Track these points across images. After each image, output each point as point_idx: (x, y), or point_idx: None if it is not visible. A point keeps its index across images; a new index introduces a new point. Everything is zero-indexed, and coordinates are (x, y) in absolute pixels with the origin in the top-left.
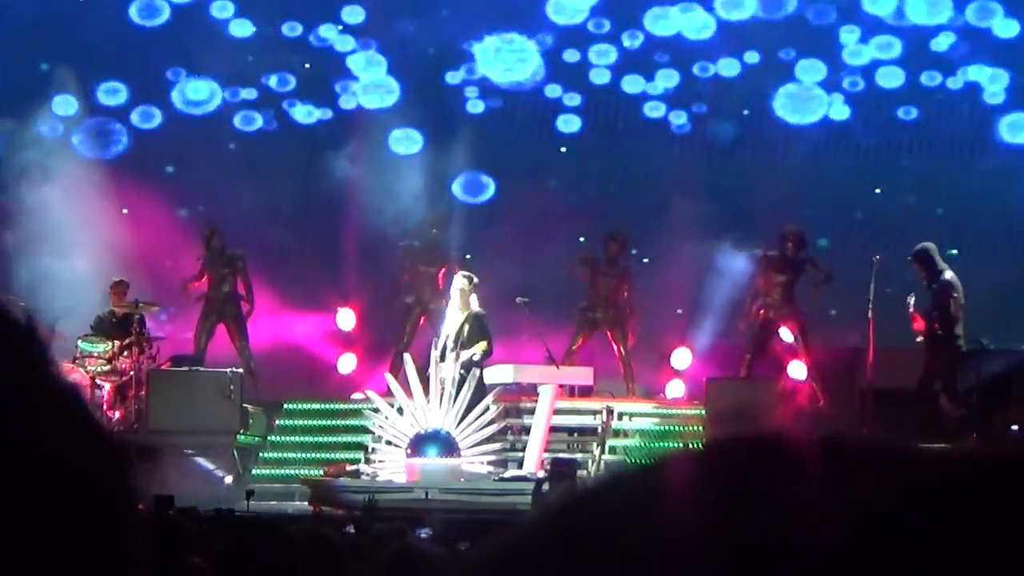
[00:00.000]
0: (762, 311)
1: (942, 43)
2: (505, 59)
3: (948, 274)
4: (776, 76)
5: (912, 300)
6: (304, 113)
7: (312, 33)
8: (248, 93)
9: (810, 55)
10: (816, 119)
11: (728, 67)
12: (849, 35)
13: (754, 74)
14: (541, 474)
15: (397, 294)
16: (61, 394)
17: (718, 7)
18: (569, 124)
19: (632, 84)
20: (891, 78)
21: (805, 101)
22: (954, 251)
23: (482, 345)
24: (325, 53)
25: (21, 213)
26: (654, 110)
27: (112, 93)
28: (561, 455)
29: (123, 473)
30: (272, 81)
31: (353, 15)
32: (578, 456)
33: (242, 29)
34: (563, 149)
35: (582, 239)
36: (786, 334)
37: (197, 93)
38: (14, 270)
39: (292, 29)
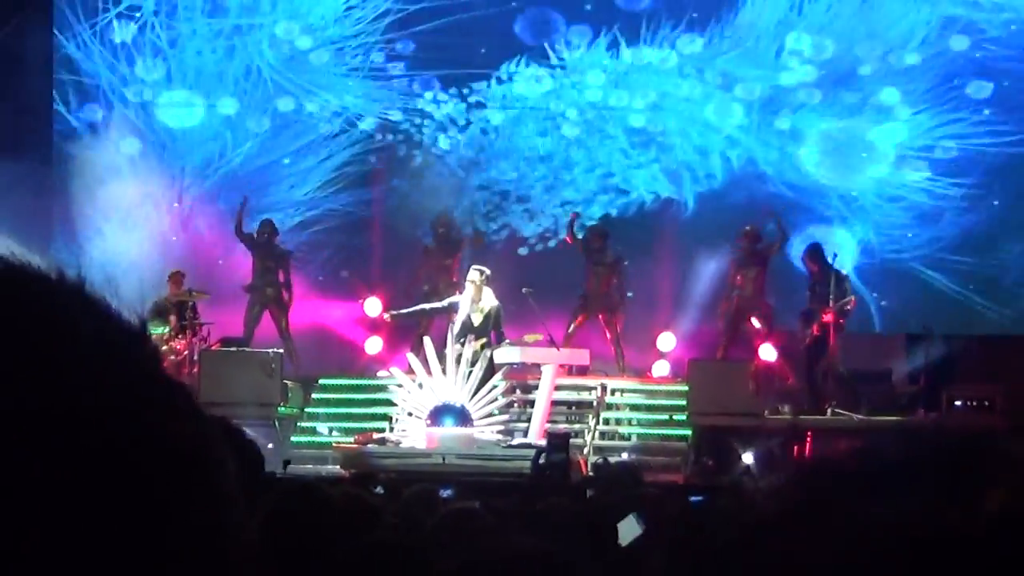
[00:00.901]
0: (736, 301)
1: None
2: (522, 82)
3: (841, 270)
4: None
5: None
6: (365, 124)
7: (368, 59)
8: (313, 106)
9: (749, 79)
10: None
11: (691, 88)
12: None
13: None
14: (542, 443)
15: (416, 284)
16: (175, 387)
17: (678, 45)
18: (571, 130)
19: (617, 99)
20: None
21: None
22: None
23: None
24: (380, 74)
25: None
26: (636, 120)
27: (226, 106)
28: (560, 426)
29: (223, 451)
30: (336, 96)
31: (405, 48)
32: (576, 426)
33: (318, 57)
34: (541, 153)
35: (580, 236)
36: (756, 322)
37: (286, 106)
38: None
39: (354, 56)
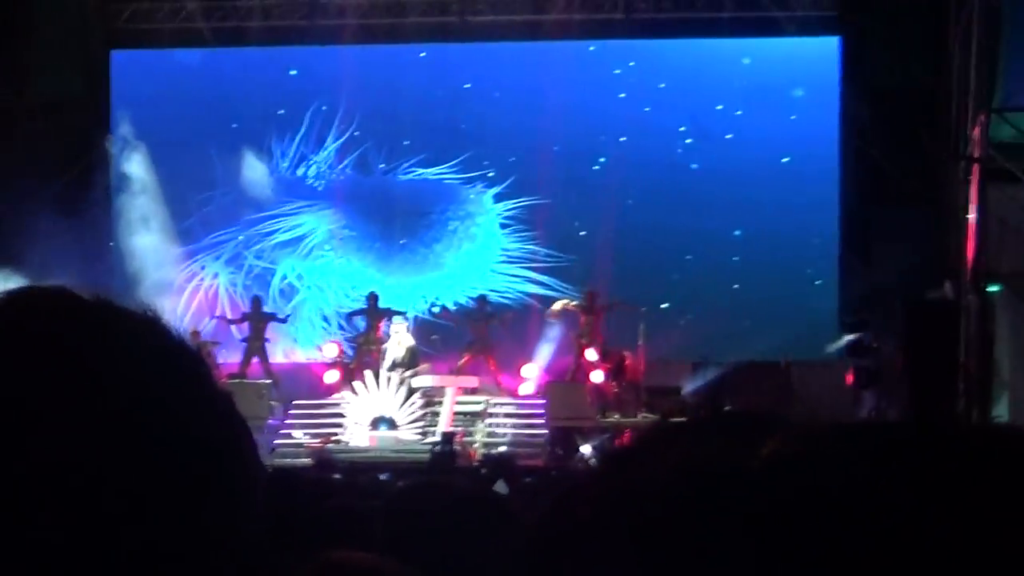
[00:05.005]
0: (580, 340)
1: None
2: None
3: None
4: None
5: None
6: None
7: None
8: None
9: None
10: None
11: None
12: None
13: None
14: (437, 439)
15: (357, 338)
16: (224, 396)
17: None
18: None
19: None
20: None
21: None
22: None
23: (422, 368)
24: None
25: None
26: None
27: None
28: (457, 428)
29: (252, 446)
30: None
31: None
32: (469, 428)
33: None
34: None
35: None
36: (591, 354)
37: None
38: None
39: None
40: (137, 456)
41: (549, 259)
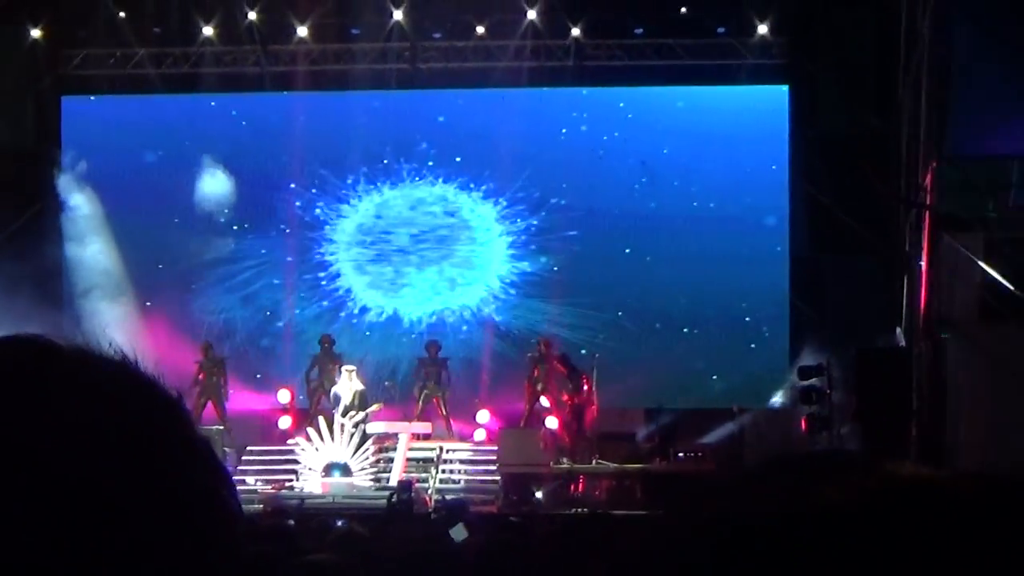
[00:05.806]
0: (534, 387)
1: None
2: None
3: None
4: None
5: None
6: None
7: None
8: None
9: None
10: None
11: None
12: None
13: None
14: (393, 486)
15: (309, 381)
16: (203, 441)
17: None
18: None
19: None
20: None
21: None
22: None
23: (372, 408)
24: None
25: None
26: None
27: None
28: (410, 475)
29: (232, 490)
30: None
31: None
32: (422, 475)
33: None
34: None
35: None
36: (545, 402)
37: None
38: None
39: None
40: (118, 499)
41: (505, 304)
